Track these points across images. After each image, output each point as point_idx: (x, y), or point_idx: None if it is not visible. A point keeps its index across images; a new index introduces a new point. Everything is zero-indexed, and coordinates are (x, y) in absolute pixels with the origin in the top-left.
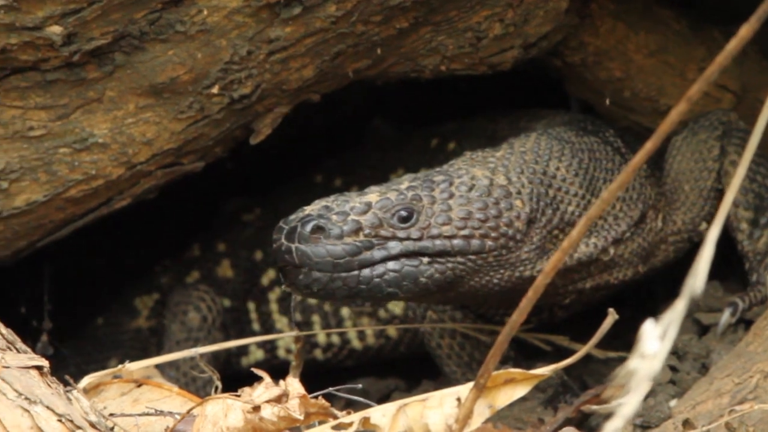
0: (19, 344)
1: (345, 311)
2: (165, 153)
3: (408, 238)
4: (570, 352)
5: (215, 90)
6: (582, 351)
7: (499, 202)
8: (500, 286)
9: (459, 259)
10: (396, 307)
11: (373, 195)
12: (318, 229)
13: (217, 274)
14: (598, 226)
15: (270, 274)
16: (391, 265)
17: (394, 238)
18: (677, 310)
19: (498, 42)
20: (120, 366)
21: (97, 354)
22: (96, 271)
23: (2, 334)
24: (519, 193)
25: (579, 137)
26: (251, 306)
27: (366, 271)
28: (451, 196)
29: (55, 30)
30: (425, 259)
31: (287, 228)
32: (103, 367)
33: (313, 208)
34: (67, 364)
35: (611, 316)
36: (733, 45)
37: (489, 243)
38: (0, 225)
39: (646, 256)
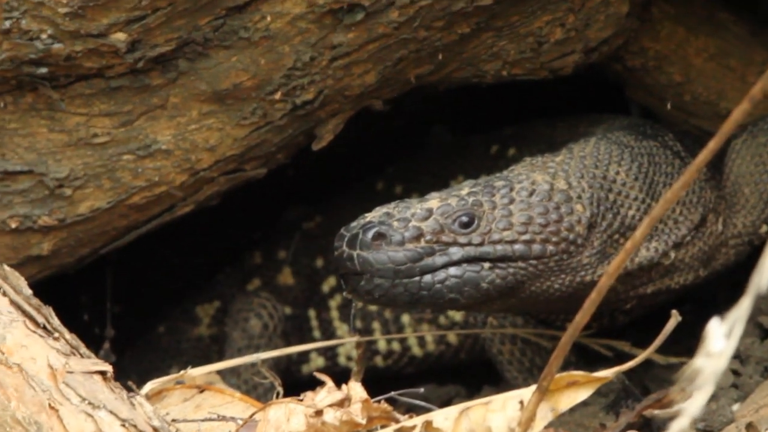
0: (83, 349)
1: (405, 318)
2: (228, 159)
3: (469, 244)
4: (631, 358)
5: (278, 96)
6: (645, 353)
7: (560, 206)
8: (561, 291)
9: (520, 264)
10: (456, 314)
11: (434, 201)
12: (379, 236)
13: (278, 282)
14: (658, 230)
15: (331, 282)
16: (452, 270)
17: (455, 243)
18: (743, 308)
19: (559, 47)
20: (182, 372)
21: (158, 362)
22: (157, 279)
23: (66, 340)
24: (579, 197)
25: (638, 141)
26: (312, 313)
27: (427, 277)
28: (512, 201)
29: (120, 37)
30: (487, 265)
31: (349, 235)
32: (165, 375)
33: (374, 214)
34: (129, 372)
35: (674, 318)
36: None
37: (550, 248)
38: (64, 232)
39: (707, 259)
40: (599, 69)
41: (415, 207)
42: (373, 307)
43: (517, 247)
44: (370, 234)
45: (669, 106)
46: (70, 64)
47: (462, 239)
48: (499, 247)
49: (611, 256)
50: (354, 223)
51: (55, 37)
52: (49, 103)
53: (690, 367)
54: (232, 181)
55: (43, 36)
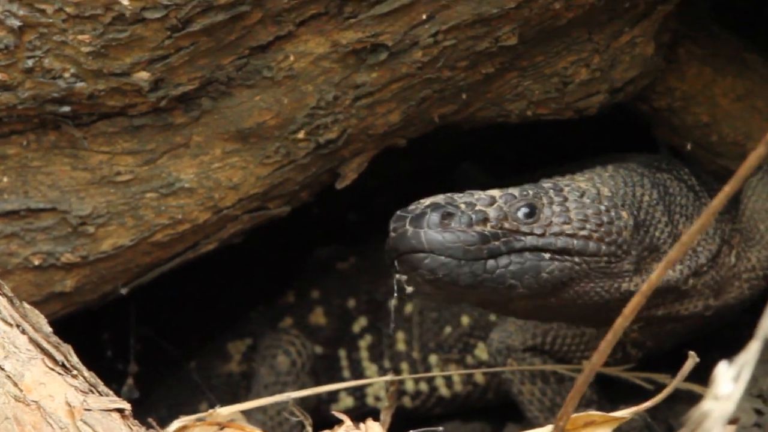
0: (102, 387)
1: (433, 359)
2: (251, 197)
3: (531, 234)
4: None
5: (301, 135)
6: (662, 394)
7: (610, 210)
8: (600, 296)
9: (576, 259)
10: (482, 354)
11: (494, 191)
12: (448, 216)
13: (310, 321)
14: (685, 256)
15: (361, 322)
16: (514, 257)
17: (518, 232)
18: (751, 351)
19: (584, 87)
20: (211, 411)
21: (189, 397)
22: (189, 315)
23: (85, 377)
24: (623, 205)
25: (653, 173)
26: (342, 353)
27: (491, 262)
28: (566, 199)
29: (143, 76)
30: (547, 255)
31: (412, 215)
32: (194, 410)
33: (435, 198)
34: (159, 407)
35: (692, 359)
36: None
37: (603, 247)
38: (87, 269)
39: (717, 290)
40: (626, 109)
41: (477, 194)
42: (401, 347)
43: (577, 241)
44: (438, 213)
45: (689, 147)
46: (92, 102)
47: (524, 228)
48: (560, 239)
49: (641, 271)
50: (412, 207)
51: (78, 76)
52: (72, 141)
53: (698, 409)
54: (255, 219)
55: (66, 75)
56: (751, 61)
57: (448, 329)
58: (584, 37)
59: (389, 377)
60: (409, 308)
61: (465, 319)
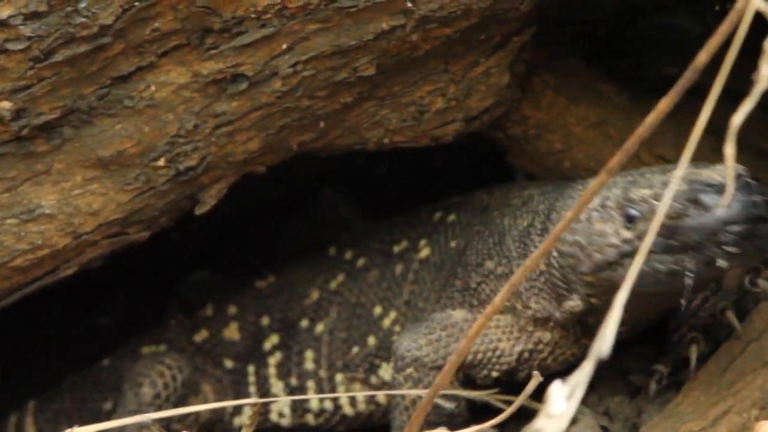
0: None
1: (339, 378)
2: (111, 223)
3: None
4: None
5: (161, 162)
6: (505, 413)
7: None
8: None
9: None
10: (386, 374)
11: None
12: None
13: (224, 336)
14: None
15: (273, 339)
16: None
17: None
18: (585, 370)
19: (440, 116)
20: (68, 430)
21: (96, 393)
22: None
23: None
24: None
25: None
26: (251, 369)
27: None
28: None
29: (5, 105)
30: None
31: (756, 183)
32: (98, 408)
33: (731, 170)
34: (64, 398)
35: (536, 378)
36: (652, 118)
37: None
38: None
39: None
40: (482, 136)
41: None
42: (309, 366)
43: None
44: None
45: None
46: None
47: None
48: None
49: None
50: (715, 181)
51: None
52: None
53: (531, 428)
54: (115, 244)
55: None
56: (606, 91)
57: (355, 349)
58: (441, 67)
59: (253, 399)
60: (320, 328)
61: (371, 340)
